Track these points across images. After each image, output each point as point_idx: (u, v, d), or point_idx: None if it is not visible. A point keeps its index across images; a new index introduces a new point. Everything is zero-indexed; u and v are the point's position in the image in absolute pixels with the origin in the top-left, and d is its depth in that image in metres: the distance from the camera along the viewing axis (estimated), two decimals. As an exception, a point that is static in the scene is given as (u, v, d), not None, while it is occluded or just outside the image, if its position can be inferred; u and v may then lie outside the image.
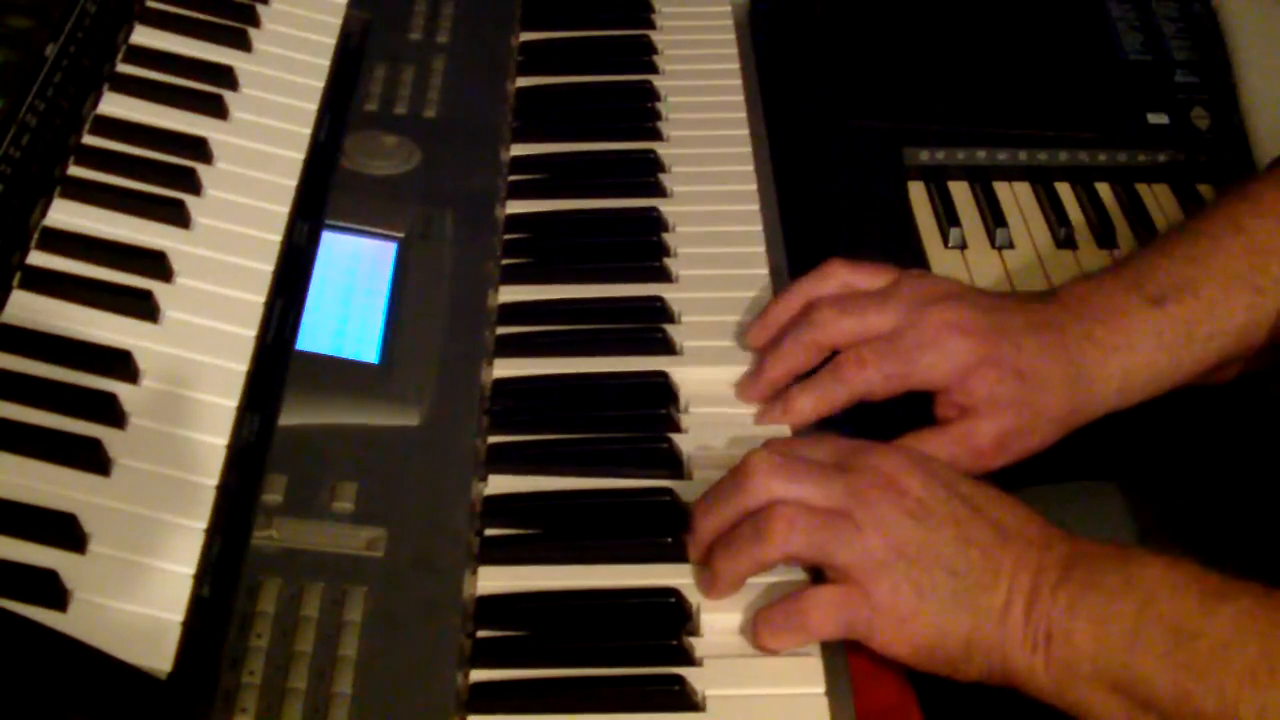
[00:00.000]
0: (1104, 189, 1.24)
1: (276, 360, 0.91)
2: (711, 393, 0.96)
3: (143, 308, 0.87)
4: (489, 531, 0.87)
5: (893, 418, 0.93)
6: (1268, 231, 0.95)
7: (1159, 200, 1.24)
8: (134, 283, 0.88)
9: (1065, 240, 1.21)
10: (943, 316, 0.92)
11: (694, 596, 0.84)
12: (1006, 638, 0.80)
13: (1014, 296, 1.01)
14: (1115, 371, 0.93)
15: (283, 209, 0.97)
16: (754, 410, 0.95)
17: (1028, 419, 0.91)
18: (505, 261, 1.04)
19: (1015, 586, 0.80)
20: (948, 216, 1.21)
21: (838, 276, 0.96)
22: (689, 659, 0.81)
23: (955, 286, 0.96)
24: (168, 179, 0.95)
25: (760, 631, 0.82)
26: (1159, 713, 0.77)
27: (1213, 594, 0.77)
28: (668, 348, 0.98)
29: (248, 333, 0.89)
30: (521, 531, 0.88)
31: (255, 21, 1.08)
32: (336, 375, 0.92)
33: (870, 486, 0.83)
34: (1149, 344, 0.93)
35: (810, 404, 0.93)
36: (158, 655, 0.73)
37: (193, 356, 0.86)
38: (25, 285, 0.86)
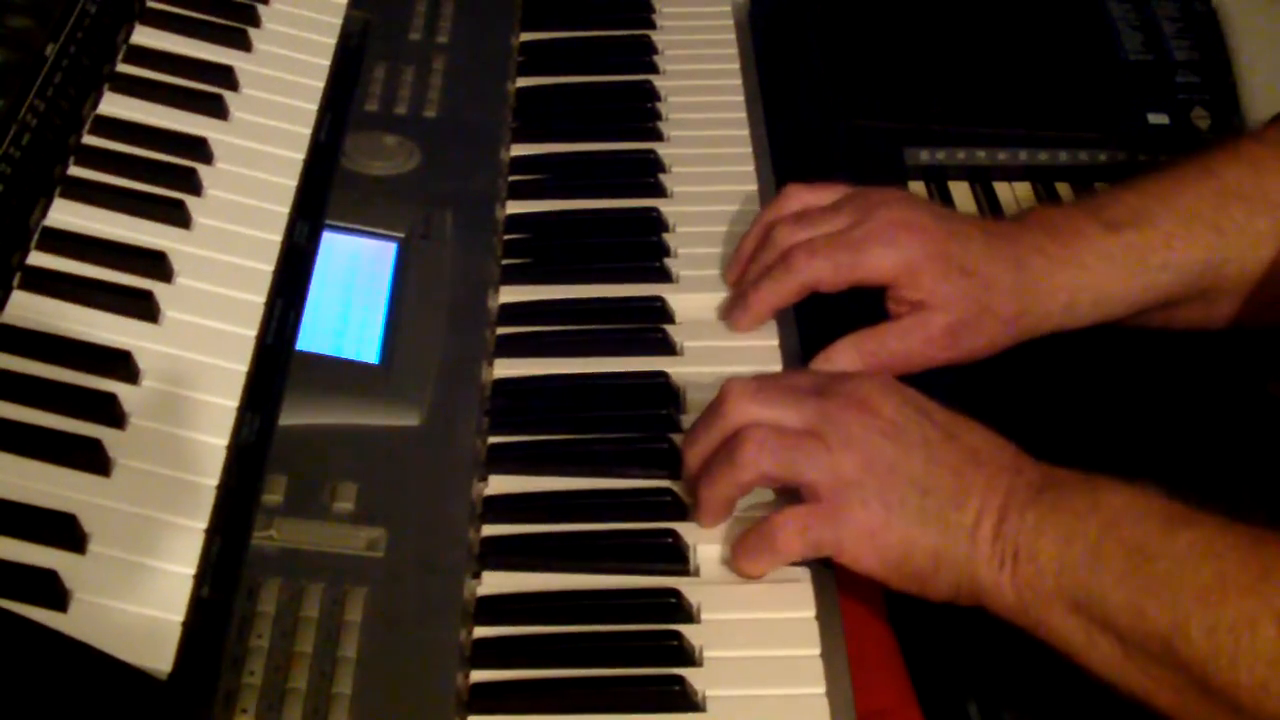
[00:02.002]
0: (1104, 189, 1.24)
1: (276, 360, 0.91)
2: (713, 390, 0.96)
3: (143, 308, 0.87)
4: (489, 531, 0.87)
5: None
6: (1239, 177, 0.97)
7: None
8: (134, 283, 0.88)
9: (1065, 240, 1.20)
10: (893, 215, 0.95)
11: (694, 597, 0.84)
12: (975, 554, 0.81)
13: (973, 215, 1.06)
14: (1062, 284, 0.95)
15: (283, 209, 0.97)
16: None
17: (976, 313, 0.94)
18: (505, 261, 1.04)
19: (985, 506, 0.82)
20: (948, 217, 1.21)
21: (796, 197, 1.00)
22: (689, 659, 0.81)
23: (904, 194, 1.01)
24: (168, 179, 0.95)
25: (736, 557, 0.85)
26: (1115, 631, 0.78)
27: (1175, 519, 0.79)
28: (668, 348, 0.98)
29: (248, 333, 0.89)
30: (521, 532, 0.88)
31: (255, 21, 1.08)
32: (336, 375, 0.92)
33: (842, 408, 0.84)
34: (1098, 265, 0.95)
35: (765, 296, 0.96)
36: (158, 656, 0.73)
37: (193, 356, 0.86)
38: (25, 285, 0.86)
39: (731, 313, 0.98)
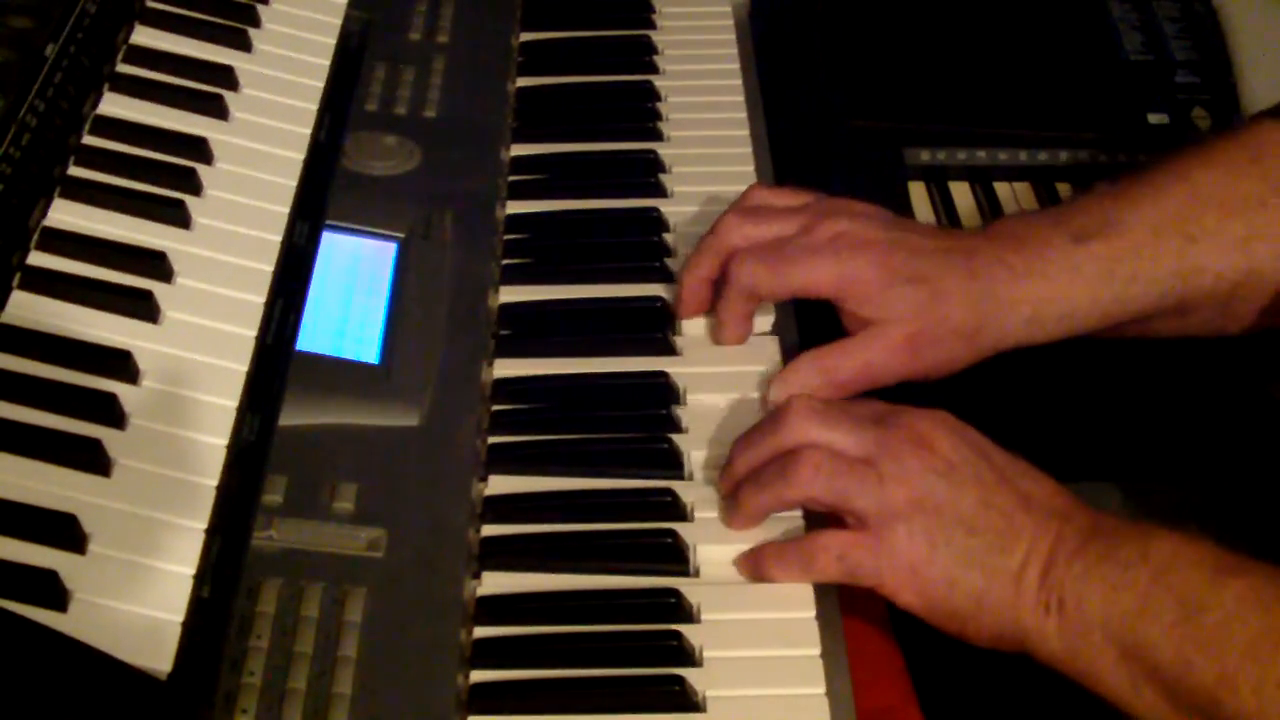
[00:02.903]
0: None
1: (276, 360, 0.91)
2: (713, 391, 0.96)
3: (143, 308, 0.87)
4: (489, 532, 0.87)
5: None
6: (1212, 182, 0.94)
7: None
8: (134, 283, 0.88)
9: (1065, 240, 1.20)
10: (837, 227, 0.94)
11: (694, 597, 0.84)
12: (1020, 600, 0.81)
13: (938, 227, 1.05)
14: (1026, 297, 0.92)
15: (283, 209, 0.97)
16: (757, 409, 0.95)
17: (932, 325, 0.92)
18: (505, 261, 1.04)
19: (1033, 551, 0.81)
20: (948, 216, 1.21)
21: (755, 196, 0.99)
22: (689, 660, 0.81)
23: (866, 207, 0.97)
24: (168, 179, 0.95)
25: (767, 560, 0.85)
26: (1163, 683, 0.77)
27: (1225, 570, 0.78)
28: (668, 348, 0.98)
29: (248, 333, 0.89)
30: (521, 532, 0.88)
31: (255, 21, 1.08)
32: (336, 375, 0.92)
33: (901, 441, 0.84)
34: (1065, 277, 0.93)
35: (725, 319, 0.97)
36: (158, 656, 0.73)
37: (193, 356, 0.86)
38: (25, 285, 0.86)
39: (714, 333, 0.98)
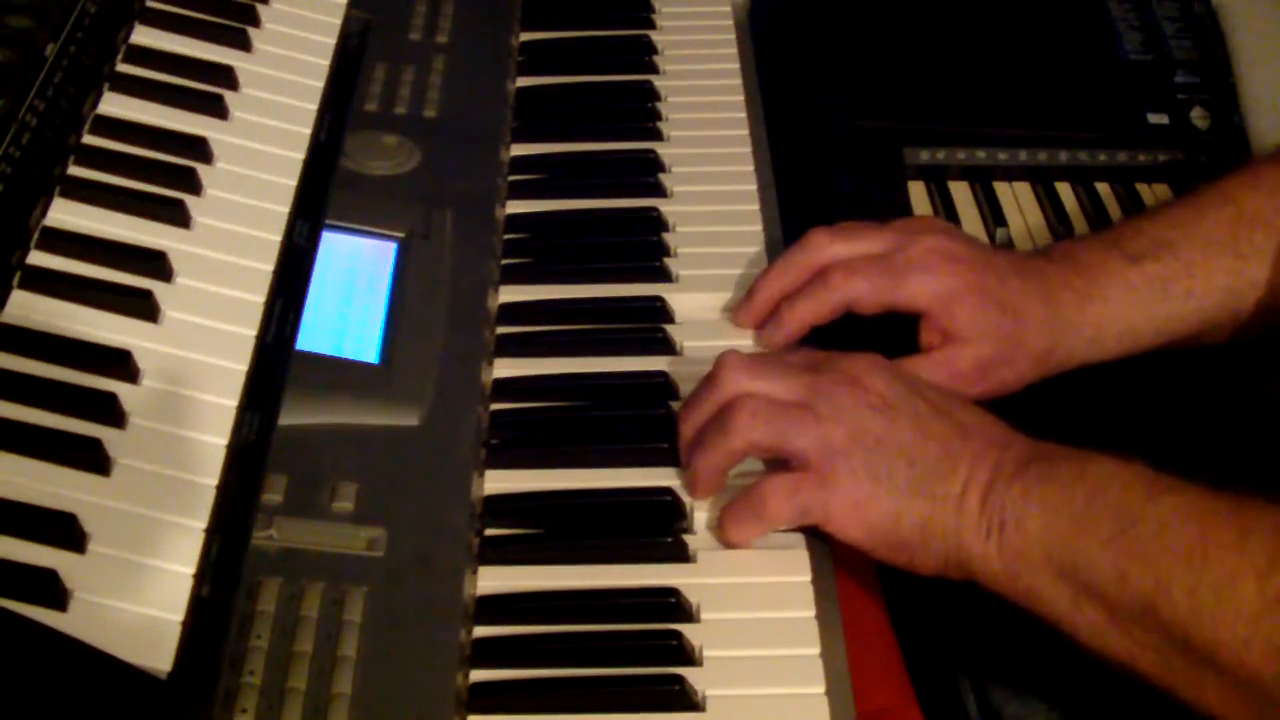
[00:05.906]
0: (1104, 189, 1.24)
1: (276, 360, 0.91)
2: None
3: (143, 308, 0.87)
4: (489, 531, 0.87)
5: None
6: (1257, 202, 0.97)
7: (1159, 200, 1.24)
8: (134, 283, 0.88)
9: (1065, 240, 1.21)
10: (934, 244, 0.96)
11: (694, 597, 0.84)
12: (962, 524, 0.83)
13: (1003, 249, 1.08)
14: (1089, 319, 0.96)
15: (283, 209, 0.97)
16: None
17: (1007, 349, 0.94)
18: (505, 261, 1.04)
19: (973, 477, 0.83)
20: (948, 216, 1.21)
21: (827, 230, 0.99)
22: (689, 659, 0.81)
23: (946, 224, 1.02)
24: (168, 179, 0.95)
25: (724, 523, 0.87)
26: (1101, 597, 0.79)
27: (1159, 487, 0.80)
28: (668, 348, 0.98)
29: (248, 333, 0.89)
30: (521, 531, 0.88)
31: (255, 21, 1.08)
32: (336, 375, 0.92)
33: (834, 383, 0.86)
34: (1122, 296, 0.96)
35: (800, 313, 0.96)
36: (158, 655, 0.73)
37: (193, 356, 0.86)
38: (25, 285, 0.86)
39: (764, 331, 0.98)
